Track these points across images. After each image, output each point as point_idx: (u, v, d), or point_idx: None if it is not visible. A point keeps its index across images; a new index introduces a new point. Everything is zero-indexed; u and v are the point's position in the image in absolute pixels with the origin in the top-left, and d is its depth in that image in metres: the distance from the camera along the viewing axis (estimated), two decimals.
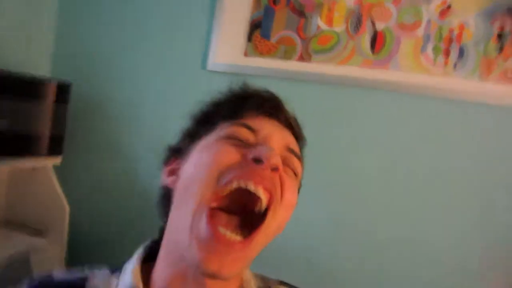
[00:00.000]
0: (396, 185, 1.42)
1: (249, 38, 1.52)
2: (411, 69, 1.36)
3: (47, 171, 1.59)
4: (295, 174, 0.60)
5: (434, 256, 1.38)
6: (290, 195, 0.56)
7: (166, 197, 0.61)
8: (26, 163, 1.52)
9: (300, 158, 0.62)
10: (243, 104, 0.62)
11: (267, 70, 1.49)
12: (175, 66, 1.66)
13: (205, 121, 0.64)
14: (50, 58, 1.81)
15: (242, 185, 0.51)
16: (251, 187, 0.51)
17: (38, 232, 1.58)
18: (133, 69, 1.72)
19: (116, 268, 0.62)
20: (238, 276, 0.59)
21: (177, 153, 0.64)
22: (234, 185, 0.51)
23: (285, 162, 0.58)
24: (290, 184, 0.56)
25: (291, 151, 0.60)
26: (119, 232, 1.66)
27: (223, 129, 0.59)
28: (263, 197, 0.51)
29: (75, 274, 0.61)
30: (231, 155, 0.54)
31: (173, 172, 0.62)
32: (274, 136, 0.58)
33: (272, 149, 0.54)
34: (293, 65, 1.47)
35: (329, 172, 1.48)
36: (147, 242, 0.64)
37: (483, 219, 1.34)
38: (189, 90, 1.62)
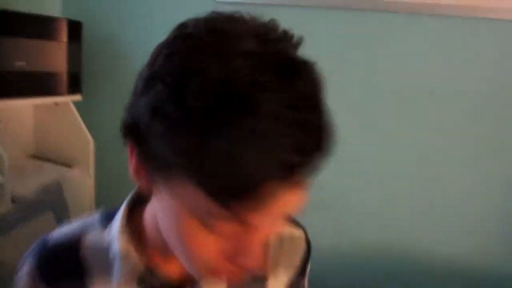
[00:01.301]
0: (388, 107, 1.50)
1: None
2: None
3: (69, 107, 1.67)
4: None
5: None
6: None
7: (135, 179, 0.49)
8: (48, 101, 1.60)
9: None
10: (246, 178, 0.36)
11: None
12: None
13: (176, 141, 0.38)
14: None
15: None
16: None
17: (66, 163, 1.70)
18: (144, 4, 1.74)
19: (110, 214, 0.60)
20: None
21: (136, 142, 0.45)
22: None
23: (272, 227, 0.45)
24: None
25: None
26: None
27: (209, 211, 0.39)
28: None
29: (69, 234, 0.59)
30: (213, 252, 0.44)
31: (141, 174, 0.46)
32: (271, 221, 0.42)
33: (252, 257, 0.43)
34: None
35: (335, 95, 1.53)
36: (132, 193, 0.60)
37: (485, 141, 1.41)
38: None
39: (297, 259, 0.68)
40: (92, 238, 0.58)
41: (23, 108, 1.70)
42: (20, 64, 1.42)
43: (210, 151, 0.36)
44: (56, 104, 1.67)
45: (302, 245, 0.69)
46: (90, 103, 1.79)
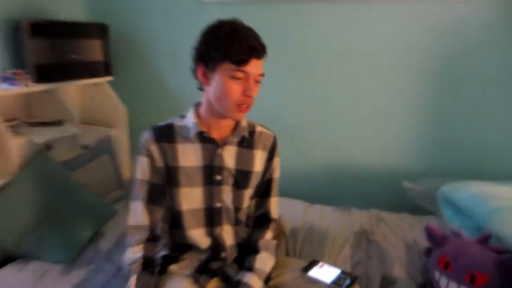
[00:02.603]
0: (334, 65, 2.10)
1: None
2: None
3: (105, 86, 2.27)
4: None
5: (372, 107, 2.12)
6: (256, 93, 1.14)
7: (200, 81, 1.18)
8: (90, 81, 2.18)
9: (263, 74, 1.14)
10: (247, 53, 1.07)
11: None
12: (175, 2, 2.24)
13: (219, 53, 1.08)
14: (88, 6, 2.40)
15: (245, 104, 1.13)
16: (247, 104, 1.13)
17: (109, 126, 2.30)
18: (147, 8, 2.30)
19: (183, 116, 1.25)
20: None
21: (203, 62, 1.12)
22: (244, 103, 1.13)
23: (257, 80, 1.12)
24: (257, 90, 1.14)
25: (261, 75, 1.13)
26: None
27: (231, 70, 1.07)
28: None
29: (167, 122, 1.23)
30: (237, 92, 1.09)
31: (204, 77, 1.14)
32: (254, 72, 1.09)
33: (251, 89, 1.09)
34: None
35: (290, 64, 2.16)
36: (195, 103, 1.27)
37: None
38: (188, 18, 2.23)
39: (269, 144, 1.31)
40: (178, 122, 1.22)
41: (73, 87, 2.28)
42: (73, 56, 2.00)
43: (235, 51, 1.07)
44: (95, 84, 2.26)
45: (272, 138, 1.32)
46: (120, 82, 2.38)
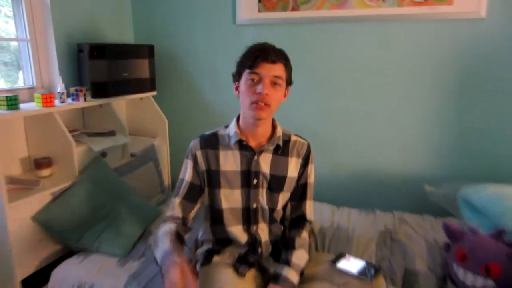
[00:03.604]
0: (358, 79, 2.24)
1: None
2: (359, 6, 2.13)
3: (150, 99, 2.49)
4: (282, 82, 1.31)
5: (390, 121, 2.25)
6: (276, 97, 1.30)
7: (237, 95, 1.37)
8: (137, 96, 2.38)
9: (281, 77, 1.30)
10: (255, 58, 1.26)
11: (272, 20, 2.28)
12: (214, 23, 2.45)
13: (241, 66, 1.31)
14: (137, 28, 2.64)
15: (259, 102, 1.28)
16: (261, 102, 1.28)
17: (153, 136, 2.51)
18: (189, 30, 2.51)
19: (226, 125, 1.44)
20: (269, 121, 1.41)
21: (235, 78, 1.36)
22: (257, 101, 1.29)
23: (273, 82, 1.28)
24: (276, 93, 1.29)
25: (276, 76, 1.27)
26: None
27: (247, 74, 1.27)
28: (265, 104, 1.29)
29: (212, 131, 1.42)
30: (252, 91, 1.26)
31: (237, 90, 1.36)
32: (266, 74, 1.26)
33: (263, 88, 1.25)
34: (289, 14, 2.25)
35: (319, 78, 2.31)
36: (237, 115, 1.44)
37: (411, 93, 2.17)
38: (224, 39, 2.43)
39: (303, 152, 1.44)
40: (221, 131, 1.40)
41: (123, 101, 2.49)
42: (124, 75, 2.22)
43: (246, 56, 1.32)
44: (141, 98, 2.48)
45: (306, 146, 1.45)
46: (162, 96, 2.59)
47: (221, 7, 2.40)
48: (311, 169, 1.45)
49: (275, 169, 1.38)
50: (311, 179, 1.46)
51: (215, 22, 2.44)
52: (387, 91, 2.21)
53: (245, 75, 1.28)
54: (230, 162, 1.36)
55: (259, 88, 1.25)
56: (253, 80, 1.26)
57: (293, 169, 1.41)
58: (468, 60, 2.05)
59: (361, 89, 2.25)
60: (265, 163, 1.37)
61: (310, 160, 1.44)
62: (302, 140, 1.45)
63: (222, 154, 1.36)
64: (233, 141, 1.35)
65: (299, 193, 1.44)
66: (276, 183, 1.38)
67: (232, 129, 1.37)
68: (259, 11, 2.30)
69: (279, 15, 2.26)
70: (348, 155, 2.36)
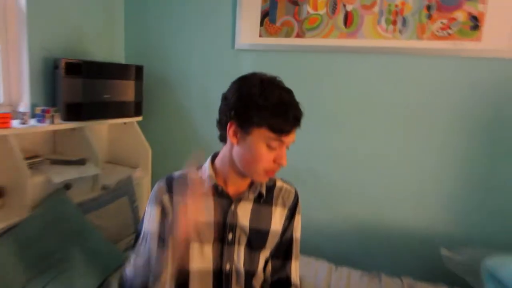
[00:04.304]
0: (367, 116, 1.95)
1: (261, 23, 2.04)
2: (372, 36, 1.85)
3: (134, 125, 2.22)
4: None
5: (396, 164, 1.93)
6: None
7: (224, 137, 1.08)
8: (118, 121, 2.12)
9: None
10: (289, 124, 0.98)
11: (274, 46, 2.02)
12: (211, 46, 2.21)
13: (258, 118, 0.97)
14: (128, 47, 2.41)
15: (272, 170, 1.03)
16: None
17: (132, 166, 2.23)
18: (184, 52, 2.27)
19: (199, 166, 1.16)
20: None
21: (238, 121, 1.00)
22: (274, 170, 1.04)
23: (288, 147, 1.04)
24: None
25: (292, 143, 1.04)
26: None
27: (269, 137, 0.98)
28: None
29: (181, 172, 1.12)
30: (269, 159, 1.00)
31: (235, 135, 1.02)
32: (291, 140, 1.02)
33: (283, 157, 1.01)
34: (293, 41, 1.99)
35: (322, 114, 2.02)
36: (212, 154, 1.16)
37: (422, 137, 1.86)
38: (221, 64, 2.17)
39: (290, 201, 1.17)
40: (192, 174, 1.08)
41: (102, 125, 2.25)
42: (105, 96, 1.96)
43: (275, 116, 0.96)
44: (125, 123, 2.22)
45: (293, 194, 1.18)
46: (149, 122, 2.32)
47: (220, 29, 2.16)
48: (298, 221, 1.18)
49: (256, 222, 1.11)
50: (297, 233, 1.18)
51: (213, 45, 2.19)
52: (399, 133, 1.90)
53: (265, 136, 0.99)
54: (202, 210, 1.06)
55: (279, 158, 1.02)
56: (273, 147, 1.00)
57: (277, 221, 1.14)
58: (495, 105, 1.74)
59: (370, 129, 1.95)
60: (244, 214, 1.10)
61: (297, 211, 1.18)
62: (289, 187, 1.19)
63: (193, 201, 1.07)
64: (206, 185, 1.08)
65: (283, 251, 1.16)
66: (257, 238, 1.11)
67: (206, 171, 1.10)
68: (261, 35, 2.05)
69: (282, 41, 2.01)
70: (353, 203, 2.02)
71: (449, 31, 1.74)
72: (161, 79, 2.34)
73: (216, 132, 1.10)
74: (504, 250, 1.56)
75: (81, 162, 1.82)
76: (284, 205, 1.16)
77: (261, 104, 0.96)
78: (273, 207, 1.14)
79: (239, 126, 1.00)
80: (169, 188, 1.09)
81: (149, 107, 2.34)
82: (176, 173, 1.13)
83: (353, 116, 1.97)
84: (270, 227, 1.12)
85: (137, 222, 2.07)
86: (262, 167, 1.01)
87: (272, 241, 1.13)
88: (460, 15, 1.72)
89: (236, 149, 1.04)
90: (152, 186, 2.24)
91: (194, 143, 2.29)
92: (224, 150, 1.09)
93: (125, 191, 2.02)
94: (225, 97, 1.05)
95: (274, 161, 1.01)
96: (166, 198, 1.08)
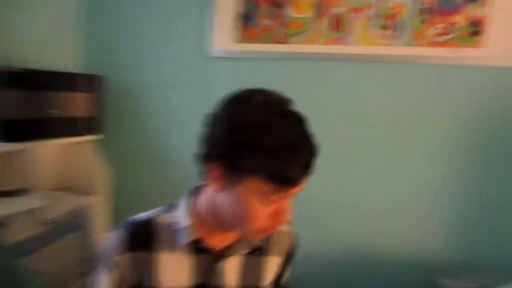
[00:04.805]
0: (360, 133, 1.71)
1: (238, 27, 1.78)
2: (363, 43, 1.64)
3: (88, 145, 1.87)
4: None
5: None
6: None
7: (205, 178, 0.75)
8: (72, 140, 1.76)
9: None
10: (298, 178, 0.67)
11: (254, 53, 1.76)
12: (183, 54, 1.91)
13: (256, 165, 0.65)
14: (83, 56, 2.07)
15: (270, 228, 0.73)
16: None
17: (88, 193, 1.88)
18: (154, 60, 1.96)
19: (171, 206, 0.82)
20: None
21: (225, 161, 0.68)
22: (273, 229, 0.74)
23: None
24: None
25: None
26: (158, 189, 1.96)
27: (269, 191, 0.67)
28: None
29: (146, 216, 0.80)
30: (265, 216, 0.70)
31: (220, 181, 0.70)
32: (299, 190, 0.69)
33: (287, 214, 0.71)
34: (274, 47, 1.74)
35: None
36: (190, 190, 0.82)
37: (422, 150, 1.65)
38: (193, 74, 1.89)
39: (287, 246, 0.90)
40: (162, 218, 0.80)
41: (50, 146, 1.89)
42: (52, 112, 1.63)
43: (276, 163, 0.65)
44: (78, 143, 1.87)
45: (290, 237, 0.91)
46: (111, 142, 1.97)
47: (192, 35, 1.88)
48: (290, 265, 0.93)
49: (246, 279, 0.83)
50: (285, 277, 0.94)
51: (183, 52, 1.90)
52: (394, 149, 1.69)
53: (260, 188, 0.67)
54: (176, 273, 0.78)
55: (281, 214, 0.71)
56: (273, 200, 0.69)
57: (270, 273, 0.87)
58: (499, 118, 1.56)
59: (361, 145, 1.72)
60: (232, 271, 0.82)
61: (293, 255, 0.92)
62: (287, 229, 0.91)
63: (164, 259, 0.78)
64: (184, 240, 0.77)
65: None
66: None
67: (183, 219, 0.79)
68: (238, 41, 1.79)
69: (262, 47, 1.75)
70: (340, 228, 1.78)
71: (448, 36, 1.55)
72: (126, 91, 2.01)
73: (191, 149, 0.78)
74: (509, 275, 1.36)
75: (19, 192, 1.48)
76: (280, 252, 0.89)
77: (260, 144, 0.65)
78: (268, 258, 0.86)
79: (227, 169, 0.69)
80: (128, 244, 0.77)
81: (112, 123, 2.00)
82: (137, 218, 0.81)
83: (342, 132, 1.73)
84: (263, 282, 0.86)
85: (92, 260, 1.73)
86: (256, 226, 0.72)
87: None
88: (461, 19, 1.53)
89: (221, 197, 0.73)
90: (114, 216, 1.93)
91: (164, 168, 1.97)
92: (208, 192, 0.78)
93: (76, 224, 1.68)
94: (211, 124, 0.72)
95: (274, 216, 0.71)
96: (123, 259, 0.76)
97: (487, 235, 1.62)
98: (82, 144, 1.87)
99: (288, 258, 0.91)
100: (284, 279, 0.93)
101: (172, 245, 0.78)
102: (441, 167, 1.64)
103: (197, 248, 0.78)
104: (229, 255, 0.80)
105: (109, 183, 1.90)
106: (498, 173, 1.59)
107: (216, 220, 0.77)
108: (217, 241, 0.80)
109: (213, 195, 0.75)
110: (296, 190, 0.69)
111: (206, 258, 0.79)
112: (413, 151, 1.66)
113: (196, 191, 0.82)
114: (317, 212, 1.78)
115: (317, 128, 1.83)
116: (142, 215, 0.82)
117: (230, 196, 0.70)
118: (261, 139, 0.65)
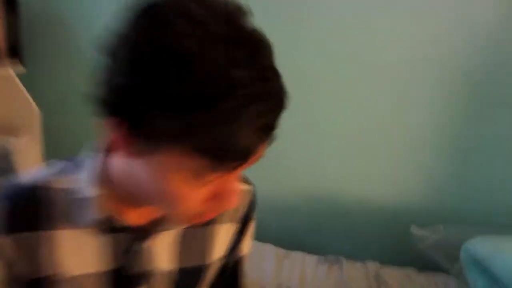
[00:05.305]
0: (336, 73, 1.50)
1: None
2: None
3: (10, 78, 1.59)
4: None
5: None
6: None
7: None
8: None
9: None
10: (251, 149, 0.42)
11: None
12: None
13: (167, 121, 0.40)
14: None
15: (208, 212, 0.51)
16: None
17: (13, 133, 1.63)
18: None
19: (69, 163, 0.58)
20: None
21: (125, 118, 0.42)
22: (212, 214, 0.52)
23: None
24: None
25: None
26: (87, 125, 1.72)
27: (206, 168, 0.42)
28: None
29: (34, 180, 0.56)
30: (200, 198, 0.48)
31: (123, 144, 0.45)
32: (251, 163, 0.45)
33: (234, 197, 0.49)
34: None
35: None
36: (102, 143, 0.56)
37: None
38: None
39: (243, 209, 0.69)
40: (54, 184, 0.55)
41: None
42: None
43: (207, 126, 0.39)
44: None
45: (247, 198, 0.69)
46: (35, 75, 1.69)
47: None
48: (251, 233, 0.72)
49: (186, 257, 0.63)
50: (246, 249, 0.73)
51: None
52: (366, 94, 1.50)
53: (189, 160, 0.42)
54: (82, 256, 0.56)
55: (223, 195, 0.48)
56: (210, 180, 0.45)
57: (220, 245, 0.67)
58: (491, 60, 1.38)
59: (332, 89, 1.52)
60: (164, 250, 0.61)
61: (251, 220, 0.71)
62: (244, 187, 0.68)
63: (61, 240, 0.55)
64: (90, 215, 0.54)
65: (227, 277, 0.71)
66: (187, 279, 0.64)
67: (89, 186, 0.54)
68: None
69: None
70: (305, 175, 1.63)
71: None
72: (51, 15, 1.68)
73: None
74: (487, 227, 1.29)
75: None
76: (234, 219, 0.68)
77: (182, 94, 0.39)
78: (217, 226, 0.66)
79: (131, 132, 0.43)
80: (11, 221, 0.53)
81: (36, 54, 1.68)
82: (22, 184, 0.56)
83: (312, 72, 1.50)
84: (209, 259, 0.66)
85: None
86: (185, 211, 0.50)
87: (211, 275, 0.68)
88: None
89: (138, 166, 0.48)
90: (45, 157, 1.69)
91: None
92: (118, 161, 0.53)
93: (2, 169, 1.44)
94: (108, 53, 0.44)
95: (213, 199, 0.48)
96: (4, 244, 0.53)
97: (466, 183, 1.51)
98: (2, 77, 1.57)
99: (246, 223, 0.70)
100: (245, 250, 0.73)
101: (72, 221, 0.55)
102: (422, 110, 1.48)
103: (109, 226, 0.55)
104: (158, 231, 0.59)
105: (37, 121, 1.64)
106: (484, 117, 1.45)
107: (133, 195, 0.53)
108: (137, 216, 0.57)
109: (124, 163, 0.52)
110: (246, 166, 0.45)
111: (123, 237, 0.57)
112: (385, 94, 1.48)
113: (109, 146, 0.55)
114: (273, 158, 1.61)
115: (289, 62, 1.55)
116: (28, 178, 0.56)
117: (147, 166, 0.47)
118: (185, 84, 0.38)
